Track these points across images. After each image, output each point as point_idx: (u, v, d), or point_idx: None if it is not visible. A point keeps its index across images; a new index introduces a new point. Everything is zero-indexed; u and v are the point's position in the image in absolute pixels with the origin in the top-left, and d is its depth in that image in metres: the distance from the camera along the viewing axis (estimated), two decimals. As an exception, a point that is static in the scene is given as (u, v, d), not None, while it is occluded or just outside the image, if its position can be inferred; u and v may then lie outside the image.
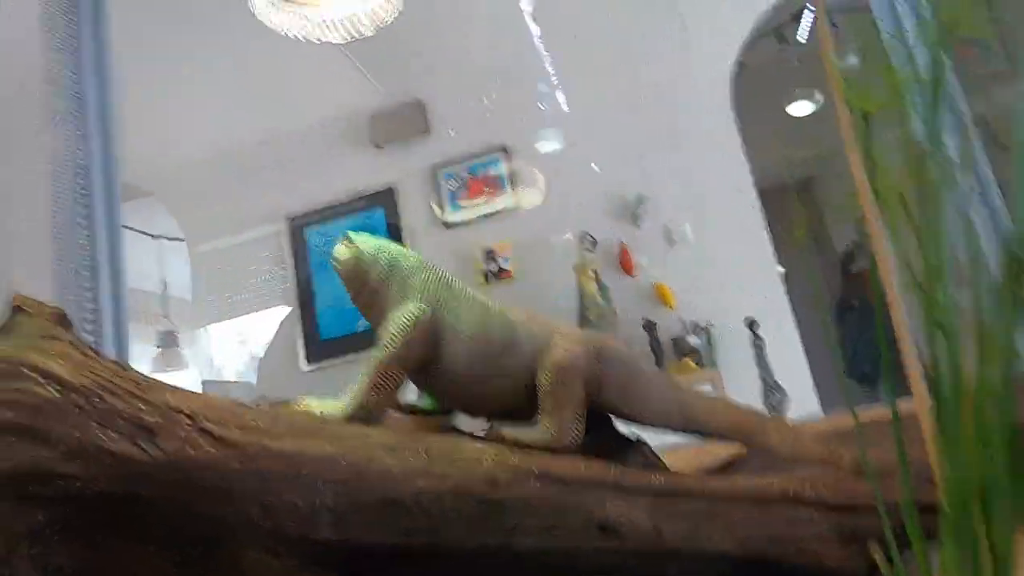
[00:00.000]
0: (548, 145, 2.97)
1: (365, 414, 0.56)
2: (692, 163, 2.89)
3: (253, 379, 3.40)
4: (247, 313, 3.62)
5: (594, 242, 2.89)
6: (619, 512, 0.50)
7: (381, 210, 3.32)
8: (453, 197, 3.22)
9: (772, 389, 2.57)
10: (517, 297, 3.06)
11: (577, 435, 0.55)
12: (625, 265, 2.96)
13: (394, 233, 3.26)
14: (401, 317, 0.59)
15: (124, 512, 0.45)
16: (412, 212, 3.28)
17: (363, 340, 3.18)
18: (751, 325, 2.62)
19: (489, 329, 0.61)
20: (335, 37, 0.76)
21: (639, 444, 0.68)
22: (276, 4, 0.76)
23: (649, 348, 2.78)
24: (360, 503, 0.47)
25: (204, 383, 3.38)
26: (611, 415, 0.63)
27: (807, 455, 0.58)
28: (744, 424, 0.67)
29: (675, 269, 2.92)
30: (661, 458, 0.71)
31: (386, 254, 0.65)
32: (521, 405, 0.59)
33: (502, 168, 3.18)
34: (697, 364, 2.61)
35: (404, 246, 0.75)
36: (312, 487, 0.47)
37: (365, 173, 3.34)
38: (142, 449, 0.45)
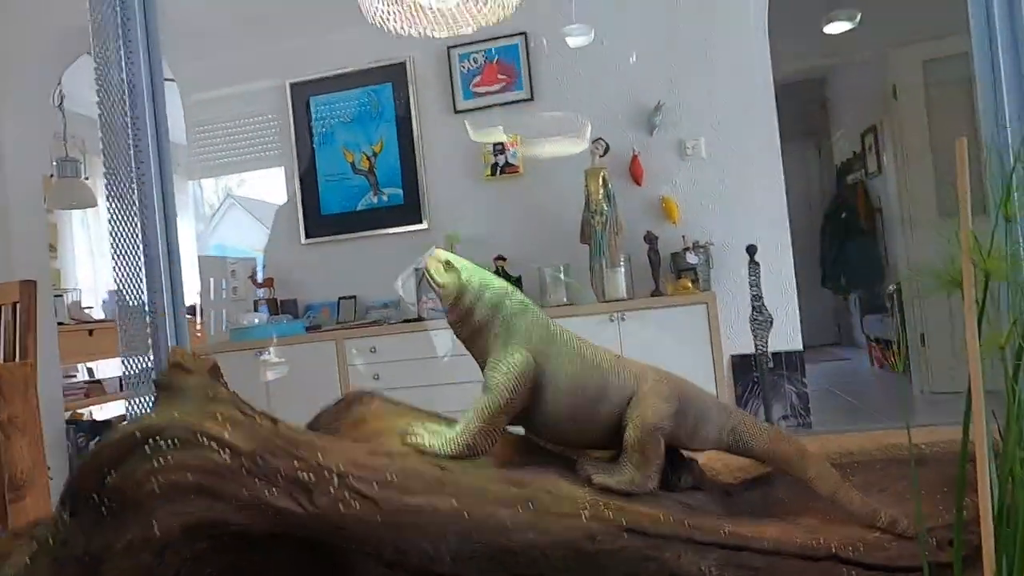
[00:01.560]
0: (573, 40, 2.84)
1: (471, 454, 0.61)
2: (718, 80, 2.81)
3: (251, 252, 3.41)
4: (242, 171, 3.56)
5: (607, 148, 2.85)
6: (691, 563, 0.57)
7: (389, 86, 3.19)
8: (467, 81, 3.10)
9: (759, 313, 2.69)
10: (522, 193, 3.05)
11: (656, 482, 0.62)
12: (635, 174, 2.95)
13: (403, 111, 3.17)
14: (510, 368, 0.63)
15: (274, 543, 0.52)
16: (423, 91, 3.16)
17: (363, 218, 3.20)
18: (750, 250, 2.69)
19: (585, 380, 0.66)
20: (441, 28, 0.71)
21: (691, 463, 0.76)
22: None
23: (648, 259, 2.86)
24: (478, 549, 0.54)
25: (200, 259, 3.36)
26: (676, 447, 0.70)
27: (849, 506, 0.66)
28: (785, 453, 0.75)
29: (683, 184, 2.93)
30: (704, 472, 0.79)
31: (491, 292, 0.67)
32: (605, 442, 0.66)
33: (520, 56, 3.04)
34: (693, 283, 2.69)
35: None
36: (438, 535, 0.54)
37: (375, 44, 3.17)
38: (299, 504, 0.51)
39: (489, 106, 3.09)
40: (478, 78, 3.09)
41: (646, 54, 2.87)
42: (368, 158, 3.20)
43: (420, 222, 3.16)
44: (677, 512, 0.60)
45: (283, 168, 3.34)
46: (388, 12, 0.71)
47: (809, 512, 0.69)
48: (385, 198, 3.19)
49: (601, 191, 2.81)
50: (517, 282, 2.92)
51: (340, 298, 3.21)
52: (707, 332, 2.47)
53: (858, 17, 2.78)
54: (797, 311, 2.84)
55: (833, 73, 5.63)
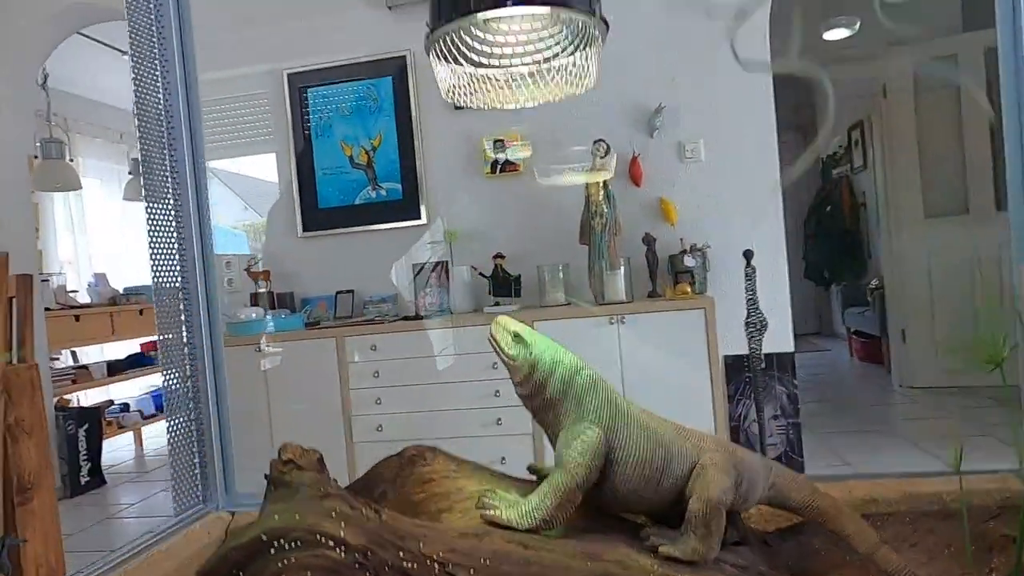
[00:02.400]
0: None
1: (548, 528, 0.64)
2: (720, 84, 2.83)
3: (242, 247, 3.39)
4: (234, 157, 3.52)
5: (608, 150, 2.87)
6: None
7: (389, 80, 3.17)
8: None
9: (755, 317, 2.75)
10: (522, 192, 3.07)
11: (718, 550, 0.66)
12: (634, 175, 2.98)
13: (402, 106, 3.15)
14: (585, 447, 0.66)
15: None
16: (423, 86, 3.14)
17: (361, 212, 3.20)
18: (747, 255, 2.74)
19: (651, 454, 0.69)
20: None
21: (734, 516, 0.80)
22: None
23: (645, 260, 2.90)
24: None
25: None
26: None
27: (887, 567, 0.71)
28: (823, 508, 0.80)
29: (682, 186, 2.97)
30: (748, 524, 0.83)
31: (562, 368, 0.70)
32: (667, 509, 0.70)
33: (522, 54, 3.03)
34: (691, 286, 2.74)
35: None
36: None
37: (375, 36, 3.14)
38: None
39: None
40: (479, 74, 3.08)
41: (648, 55, 2.88)
42: (366, 152, 3.19)
43: (419, 217, 3.16)
44: None
45: (276, 158, 3.31)
46: (458, 87, 0.73)
47: (846, 566, 0.74)
48: (383, 193, 3.19)
49: (601, 192, 2.84)
50: (516, 281, 2.95)
51: (337, 292, 3.21)
52: (704, 336, 2.53)
53: (857, 25, 2.81)
54: (790, 314, 2.91)
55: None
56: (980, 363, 0.73)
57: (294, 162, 3.23)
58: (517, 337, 0.71)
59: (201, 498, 1.08)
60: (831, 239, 5.53)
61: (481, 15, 0.68)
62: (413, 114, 3.13)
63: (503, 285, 2.94)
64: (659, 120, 2.93)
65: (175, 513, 1.06)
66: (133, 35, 1.10)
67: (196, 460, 1.07)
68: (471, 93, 0.77)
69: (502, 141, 3.06)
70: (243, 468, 2.71)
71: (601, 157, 2.87)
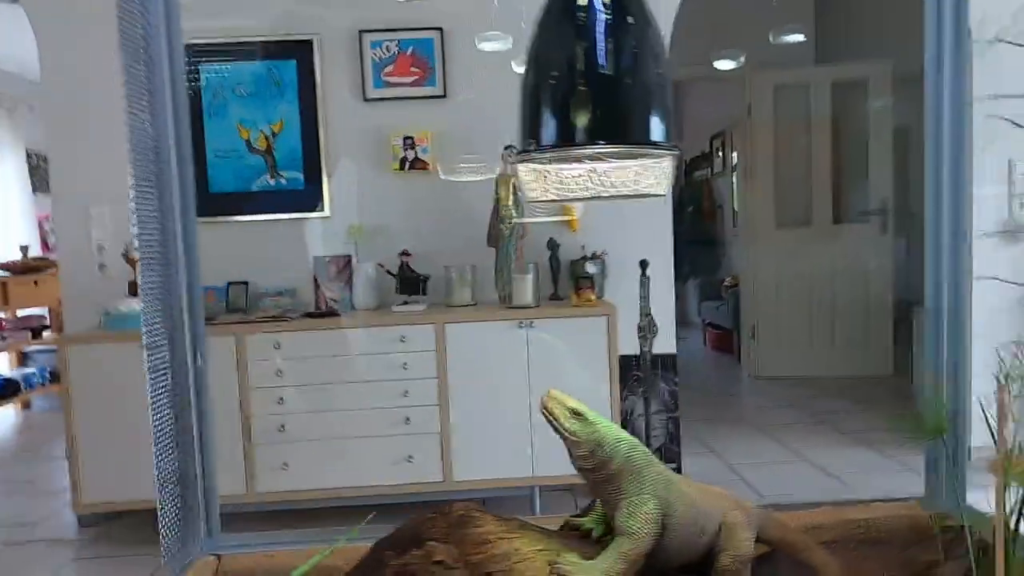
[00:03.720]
0: (489, 45, 2.87)
1: None
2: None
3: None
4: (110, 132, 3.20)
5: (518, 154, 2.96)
6: None
7: (293, 63, 3.03)
8: (378, 69, 3.03)
9: (647, 321, 2.99)
10: (430, 191, 3.08)
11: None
12: (540, 181, 3.09)
13: (307, 92, 3.03)
14: (647, 517, 0.75)
15: None
16: (330, 73, 3.04)
17: (257, 200, 3.05)
18: (643, 264, 2.97)
19: (692, 519, 0.80)
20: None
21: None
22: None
23: (549, 265, 3.04)
24: None
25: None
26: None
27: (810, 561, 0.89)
28: (794, 542, 0.95)
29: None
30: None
31: (624, 445, 0.78)
32: (699, 562, 0.81)
33: (435, 52, 3.03)
34: (593, 292, 2.92)
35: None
36: None
37: (281, 16, 2.98)
38: None
39: (400, 98, 3.05)
40: (390, 67, 3.03)
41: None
42: (266, 137, 3.04)
43: (321, 209, 3.07)
44: None
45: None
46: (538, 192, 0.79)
47: None
48: (283, 181, 3.06)
49: (511, 198, 2.93)
50: (425, 280, 2.97)
51: (229, 283, 3.05)
52: (606, 340, 2.72)
53: (742, 58, 3.11)
54: (674, 319, 3.19)
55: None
56: (926, 432, 0.92)
57: (183, 142, 3.00)
58: (576, 414, 0.78)
59: (182, 541, 1.05)
60: (691, 236, 6.01)
61: (579, 151, 0.74)
62: (319, 102, 3.03)
63: (411, 283, 2.96)
64: (566, 130, 3.06)
65: (164, 557, 1.03)
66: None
67: (180, 503, 1.04)
68: (546, 192, 0.82)
69: (412, 139, 3.04)
70: (128, 472, 2.54)
71: (512, 163, 2.95)
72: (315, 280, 3.02)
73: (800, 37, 3.07)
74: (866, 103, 4.47)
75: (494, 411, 2.72)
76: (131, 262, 2.96)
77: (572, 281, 3.02)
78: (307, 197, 3.07)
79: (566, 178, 0.81)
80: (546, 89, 0.78)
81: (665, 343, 3.15)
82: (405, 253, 3.00)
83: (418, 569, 0.75)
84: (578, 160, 0.78)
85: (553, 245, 3.04)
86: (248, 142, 3.03)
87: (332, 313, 2.88)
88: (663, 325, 3.06)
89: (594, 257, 3.03)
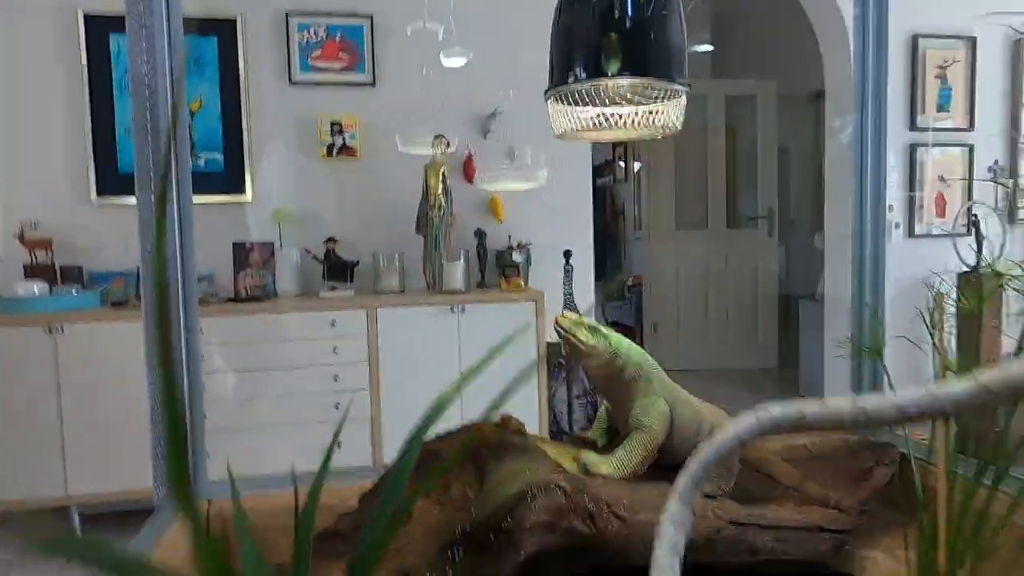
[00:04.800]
0: (422, 34, 2.92)
1: (632, 477, 0.80)
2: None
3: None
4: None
5: (448, 145, 3.01)
6: (762, 541, 0.86)
7: (214, 40, 2.93)
8: (305, 53, 2.99)
9: (571, 310, 3.12)
10: (358, 178, 3.07)
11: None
12: (468, 172, 3.16)
13: (229, 71, 2.94)
14: (659, 413, 0.83)
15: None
16: (255, 53, 2.96)
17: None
18: (566, 254, 3.10)
19: (690, 419, 0.89)
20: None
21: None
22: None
23: (476, 253, 3.11)
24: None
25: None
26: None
27: (811, 493, 1.01)
28: (760, 456, 1.08)
29: (509, 186, 3.22)
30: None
31: (635, 353, 0.86)
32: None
33: (364, 39, 3.03)
34: (518, 278, 3.02)
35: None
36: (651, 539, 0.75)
37: (202, -9, 2.88)
38: (588, 527, 0.68)
39: (328, 83, 3.02)
40: (318, 51, 3.00)
41: (490, 65, 3.06)
42: (183, 116, 2.91)
43: (243, 192, 2.98)
44: (738, 506, 0.88)
45: (64, 110, 2.85)
46: (568, 128, 0.85)
47: (774, 499, 1.02)
48: (202, 163, 2.94)
49: (440, 186, 2.97)
50: (353, 266, 2.95)
51: (140, 267, 2.88)
52: (534, 325, 2.82)
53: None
54: (595, 307, 3.34)
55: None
56: (868, 353, 1.07)
57: (89, 117, 2.82)
58: (593, 330, 0.86)
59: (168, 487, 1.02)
60: (596, 240, 6.26)
61: (612, 81, 0.82)
62: (241, 82, 2.94)
63: (338, 270, 2.93)
64: (493, 124, 3.15)
65: (156, 503, 1.00)
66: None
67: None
68: (578, 131, 0.89)
69: (340, 124, 3.02)
70: (27, 464, 2.34)
71: (442, 152, 3.00)
72: (235, 265, 2.91)
73: (708, 47, 3.33)
74: (755, 118, 4.88)
75: (425, 395, 2.72)
76: (28, 245, 2.74)
77: (499, 270, 3.10)
78: (228, 180, 2.96)
79: (587, 117, 0.89)
80: (580, 31, 0.85)
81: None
82: (331, 240, 2.97)
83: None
84: (608, 92, 0.86)
85: (480, 234, 3.11)
86: (163, 120, 2.89)
87: (254, 299, 2.79)
88: (585, 313, 3.20)
89: (520, 247, 3.13)
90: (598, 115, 0.88)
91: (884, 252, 1.18)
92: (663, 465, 0.90)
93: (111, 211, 2.88)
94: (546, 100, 0.91)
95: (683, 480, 0.39)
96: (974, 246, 3.48)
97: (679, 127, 0.90)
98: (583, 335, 0.86)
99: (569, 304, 3.11)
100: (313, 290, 2.93)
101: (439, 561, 0.61)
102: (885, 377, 1.10)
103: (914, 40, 3.46)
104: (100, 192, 2.85)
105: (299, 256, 2.92)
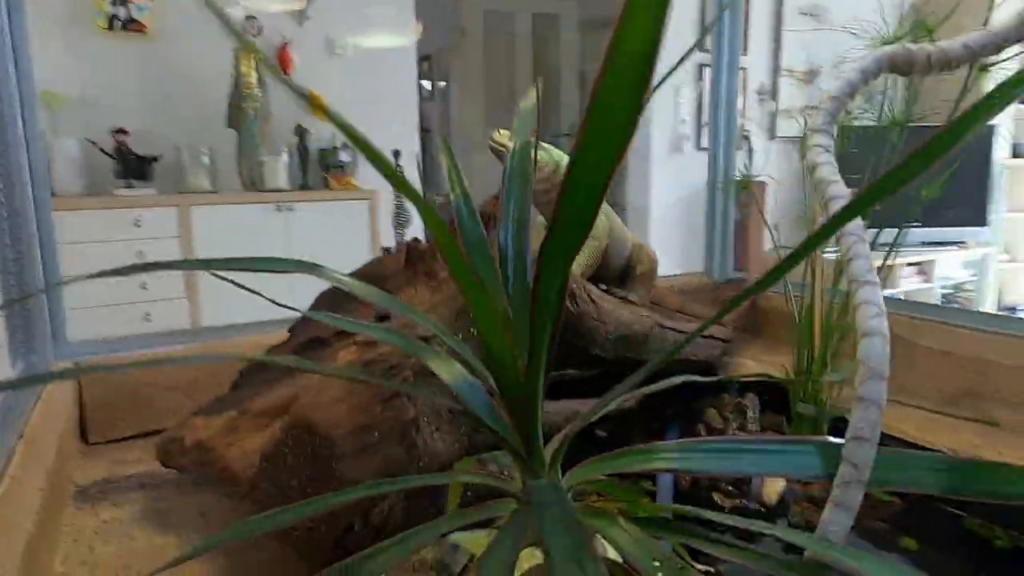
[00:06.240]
0: None
1: (581, 276, 0.80)
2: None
3: None
4: None
5: (260, 29, 2.71)
6: (671, 338, 0.94)
7: None
8: (71, -101, 2.46)
9: (401, 211, 3.04)
10: (151, 59, 2.64)
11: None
12: (283, 62, 2.88)
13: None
14: (602, 222, 0.84)
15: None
16: None
17: None
18: (396, 154, 2.99)
19: (621, 233, 0.91)
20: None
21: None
22: None
23: (297, 154, 2.87)
24: (628, 335, 0.81)
25: None
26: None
27: (695, 314, 1.11)
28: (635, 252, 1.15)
29: (330, 81, 3.00)
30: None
31: None
32: (616, 278, 0.93)
33: None
34: (349, 176, 2.85)
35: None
36: (614, 325, 0.79)
37: None
38: (571, 305, 0.68)
39: (104, -59, 2.52)
40: (88, -100, 2.48)
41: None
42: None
43: None
44: (661, 315, 0.94)
45: None
46: None
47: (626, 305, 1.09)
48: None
49: (254, 75, 2.68)
50: (152, 163, 2.57)
51: None
52: (368, 225, 2.70)
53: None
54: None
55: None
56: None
57: None
58: (541, 147, 0.83)
59: (25, 346, 0.82)
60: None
61: None
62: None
63: (134, 166, 2.53)
64: (308, 9, 2.89)
65: (13, 366, 0.79)
66: None
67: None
68: None
69: (123, -8, 2.56)
70: None
71: (254, 35, 2.69)
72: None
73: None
74: (559, 37, 5.04)
75: (250, 301, 2.51)
76: None
77: (323, 170, 2.91)
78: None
79: None
80: None
81: (419, 232, 3.23)
82: (121, 131, 2.55)
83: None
84: None
85: (301, 132, 2.88)
86: None
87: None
88: (416, 216, 3.14)
89: (346, 145, 2.95)
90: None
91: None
92: (595, 277, 0.93)
93: None
94: None
95: (826, 108, 0.39)
96: (746, 159, 3.99)
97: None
98: (541, 157, 0.83)
99: (400, 207, 3.03)
100: (103, 189, 2.51)
101: (457, 324, 0.56)
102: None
103: (704, -35, 3.77)
104: None
105: (79, 147, 2.47)
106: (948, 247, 3.59)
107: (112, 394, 0.85)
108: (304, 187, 2.86)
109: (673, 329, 0.92)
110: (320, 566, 0.25)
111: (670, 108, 3.93)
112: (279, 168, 2.65)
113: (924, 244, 3.52)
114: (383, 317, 0.69)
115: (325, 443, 0.45)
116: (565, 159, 0.86)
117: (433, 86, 6.05)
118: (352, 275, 0.87)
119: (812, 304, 0.79)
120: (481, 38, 4.90)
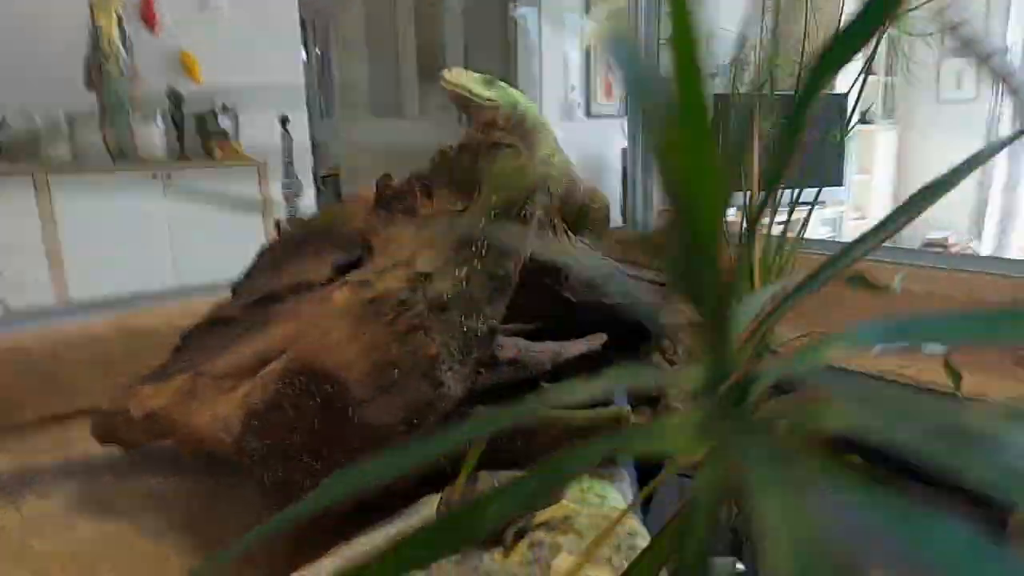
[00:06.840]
0: None
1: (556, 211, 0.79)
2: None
3: None
4: None
5: (120, -22, 2.43)
6: (631, 284, 0.95)
7: None
8: None
9: (291, 179, 2.87)
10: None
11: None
12: (148, 18, 2.61)
13: None
14: (560, 159, 0.81)
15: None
16: None
17: None
18: (283, 121, 2.81)
19: (572, 172, 0.88)
20: None
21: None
22: None
23: (172, 121, 2.63)
24: (594, 277, 0.81)
25: None
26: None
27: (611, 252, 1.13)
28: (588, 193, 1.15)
29: (203, 40, 2.75)
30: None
31: (531, 105, 0.80)
32: (572, 222, 0.91)
33: None
34: (234, 142, 2.65)
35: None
36: (582, 266, 0.78)
37: None
38: (553, 236, 0.66)
39: None
40: None
41: None
42: None
43: None
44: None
45: None
46: None
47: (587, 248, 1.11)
48: None
49: (116, 30, 2.41)
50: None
51: None
52: (259, 193, 2.53)
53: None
54: (311, 180, 3.12)
55: None
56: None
57: None
58: (488, 82, 0.79)
59: None
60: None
61: None
62: None
63: (-25, 132, 2.21)
64: (176, -41, 2.62)
65: None
66: None
67: None
68: None
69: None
70: None
71: (113, -15, 2.41)
72: None
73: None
74: (443, 4, 4.92)
75: (130, 282, 2.28)
76: None
77: (202, 137, 2.68)
78: None
79: None
80: None
81: (311, 204, 3.07)
82: (-46, 93, 2.22)
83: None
84: None
85: (174, 95, 2.63)
86: None
87: None
88: (307, 184, 2.99)
89: (225, 110, 2.73)
90: None
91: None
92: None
93: None
94: None
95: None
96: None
97: None
98: (478, 88, 0.79)
99: (290, 175, 2.86)
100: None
101: (458, 258, 0.53)
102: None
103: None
104: None
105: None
106: (811, 207, 3.88)
107: (10, 376, 0.74)
108: (183, 157, 2.63)
109: (634, 276, 0.93)
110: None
111: (560, 76, 3.97)
112: (154, 135, 2.41)
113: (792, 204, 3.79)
114: (345, 266, 0.63)
115: (338, 388, 0.40)
116: (522, 98, 0.83)
117: (309, 53, 5.75)
118: (308, 223, 0.81)
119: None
120: (362, 3, 4.71)
